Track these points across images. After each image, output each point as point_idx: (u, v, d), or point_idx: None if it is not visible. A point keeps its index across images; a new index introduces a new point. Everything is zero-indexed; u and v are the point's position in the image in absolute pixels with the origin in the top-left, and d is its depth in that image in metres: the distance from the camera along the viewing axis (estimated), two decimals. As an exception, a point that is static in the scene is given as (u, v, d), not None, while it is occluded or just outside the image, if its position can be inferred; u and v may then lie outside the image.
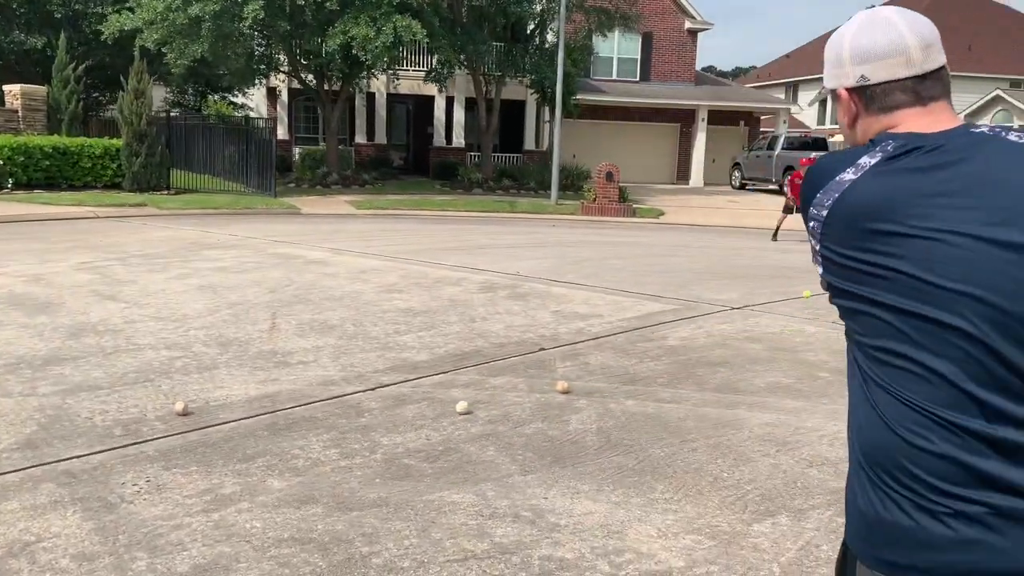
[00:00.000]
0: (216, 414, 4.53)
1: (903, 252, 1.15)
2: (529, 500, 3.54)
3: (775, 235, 15.32)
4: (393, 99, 29.09)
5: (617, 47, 30.76)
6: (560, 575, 2.93)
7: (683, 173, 31.97)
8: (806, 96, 46.07)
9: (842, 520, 3.26)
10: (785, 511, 3.50)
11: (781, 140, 27.12)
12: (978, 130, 1.22)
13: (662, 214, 20.43)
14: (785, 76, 50.28)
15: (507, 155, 28.37)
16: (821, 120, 45.83)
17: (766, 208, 22.51)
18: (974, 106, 31.98)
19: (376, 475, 3.77)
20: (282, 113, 27.76)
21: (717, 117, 31.62)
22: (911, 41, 1.27)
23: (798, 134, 29.90)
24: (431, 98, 28.13)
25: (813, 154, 25.11)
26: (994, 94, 31.28)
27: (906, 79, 1.27)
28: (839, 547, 1.43)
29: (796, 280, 9.89)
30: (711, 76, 38.04)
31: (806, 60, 50.26)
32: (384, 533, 3.21)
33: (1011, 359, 1.11)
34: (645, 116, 31.46)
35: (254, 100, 28.19)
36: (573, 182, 24.54)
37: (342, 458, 3.97)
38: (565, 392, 5.03)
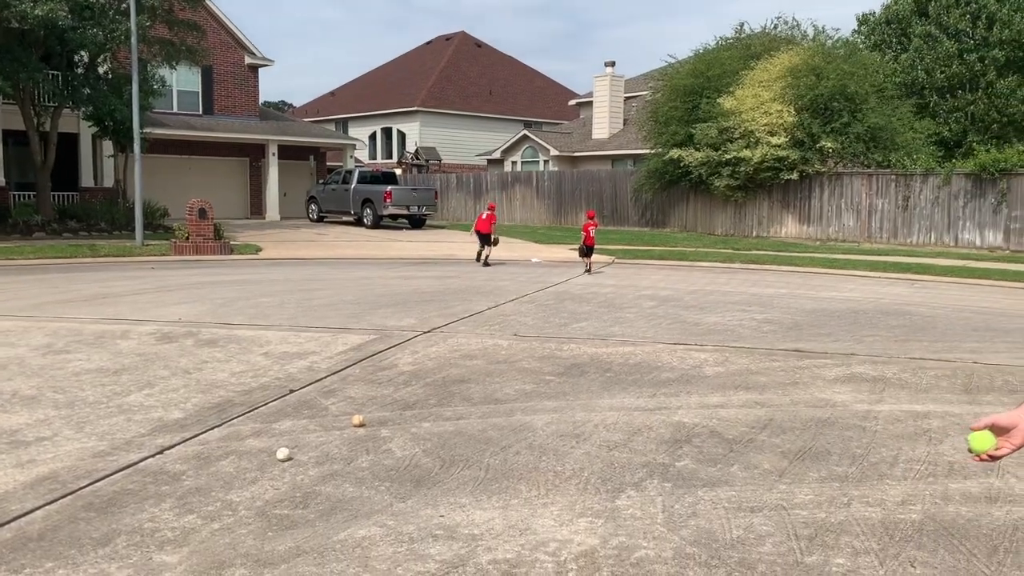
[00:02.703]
0: (2, 507, 3.90)
1: None
2: (430, 521, 3.80)
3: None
4: (-100, 130, 24.31)
5: (177, 79, 29.45)
6: (518, 571, 3.31)
7: (257, 207, 31.71)
8: (355, 132, 48.44)
9: (671, 485, 4.10)
10: (627, 487, 4.26)
11: (356, 174, 28.44)
12: None
13: (260, 249, 20.23)
14: (333, 113, 52.28)
15: (62, 193, 25.43)
16: (373, 155, 48.65)
17: (356, 239, 23.54)
18: (508, 143, 36.83)
19: (265, 528, 3.69)
20: None
21: (286, 152, 31.99)
22: None
23: (369, 169, 31.60)
24: (-45, 130, 24.09)
25: (388, 187, 26.92)
26: (522, 133, 36.40)
27: None
28: None
29: (446, 303, 10.87)
30: (275, 111, 38.22)
31: (350, 99, 52.99)
32: (332, 575, 3.25)
33: None
34: (212, 150, 30.60)
35: None
36: (151, 220, 23.00)
37: (209, 521, 3.77)
38: (361, 425, 5.22)
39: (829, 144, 22.00)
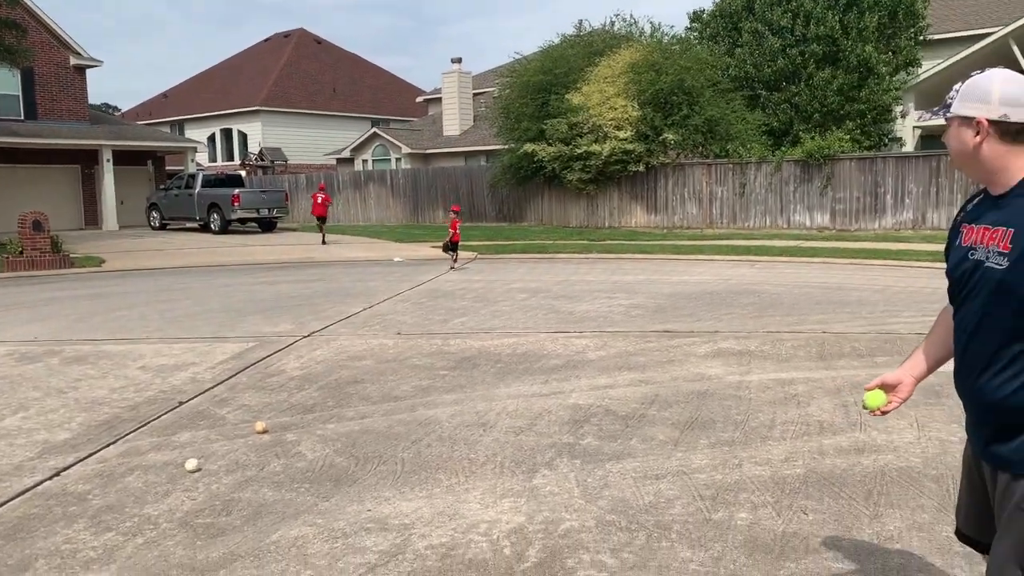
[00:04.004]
0: None
1: None
2: (359, 516, 3.89)
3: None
4: None
5: (-6, 82, 27.26)
6: (456, 554, 3.47)
7: (93, 217, 29.92)
8: (192, 134, 46.34)
9: (580, 462, 4.36)
10: (540, 466, 4.49)
11: (200, 178, 27.34)
12: None
13: (103, 261, 19.16)
14: (167, 115, 49.90)
15: None
16: (213, 158, 46.77)
17: (205, 246, 22.68)
18: (357, 141, 36.38)
19: (192, 538, 3.66)
20: None
21: (122, 157, 30.30)
22: None
23: (214, 172, 30.42)
24: None
25: (236, 190, 26.08)
26: (372, 131, 36.05)
27: None
28: None
29: (318, 306, 10.77)
30: (107, 115, 36.07)
31: (184, 100, 50.71)
32: (275, 575, 3.30)
33: None
34: (39, 158, 28.61)
35: None
36: (-25, 236, 21.27)
37: (131, 536, 3.70)
38: (265, 431, 5.20)
39: (671, 136, 23.14)
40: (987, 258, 2.03)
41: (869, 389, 2.44)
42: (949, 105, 2.11)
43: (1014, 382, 1.98)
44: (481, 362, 7.03)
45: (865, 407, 2.45)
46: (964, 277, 2.12)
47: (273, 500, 4.11)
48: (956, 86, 2.14)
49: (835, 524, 3.67)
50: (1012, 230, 1.98)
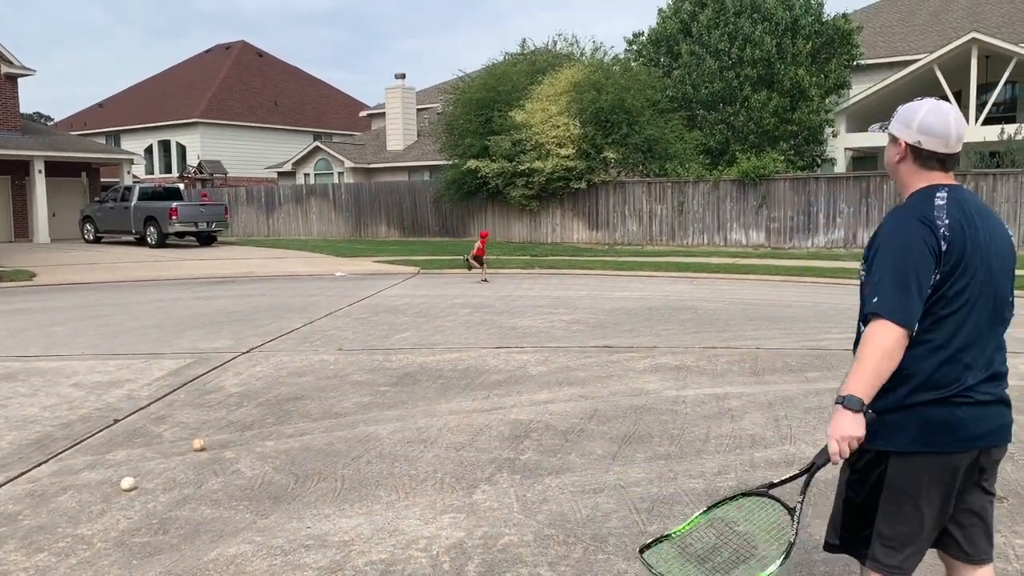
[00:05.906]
0: None
1: None
2: (298, 533, 3.89)
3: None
4: None
5: (-81, 89, 26.36)
6: (396, 570, 3.50)
7: (23, 229, 29.09)
8: (128, 145, 45.36)
9: (519, 477, 4.42)
10: (480, 482, 4.54)
11: (136, 191, 26.80)
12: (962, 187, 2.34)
13: (34, 275, 18.63)
14: (102, 126, 48.74)
15: None
16: (150, 170, 45.83)
17: (142, 260, 22.22)
18: (299, 155, 36.03)
19: (128, 558, 3.63)
20: None
21: (55, 168, 29.53)
22: (953, 133, 2.29)
23: (151, 185, 29.85)
24: None
25: (174, 203, 25.64)
26: (314, 145, 35.77)
27: (942, 154, 2.31)
28: None
29: (258, 321, 10.67)
30: (41, 125, 35.11)
31: (121, 110, 49.63)
32: (213, 595, 3.29)
33: None
34: (-34, 168, 27.68)
35: None
36: None
37: (63, 557, 3.65)
38: (202, 449, 5.15)
39: (612, 155, 23.51)
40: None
41: None
42: (891, 122, 2.40)
43: None
44: (423, 378, 7.07)
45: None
46: None
47: (211, 518, 4.08)
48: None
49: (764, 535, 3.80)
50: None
